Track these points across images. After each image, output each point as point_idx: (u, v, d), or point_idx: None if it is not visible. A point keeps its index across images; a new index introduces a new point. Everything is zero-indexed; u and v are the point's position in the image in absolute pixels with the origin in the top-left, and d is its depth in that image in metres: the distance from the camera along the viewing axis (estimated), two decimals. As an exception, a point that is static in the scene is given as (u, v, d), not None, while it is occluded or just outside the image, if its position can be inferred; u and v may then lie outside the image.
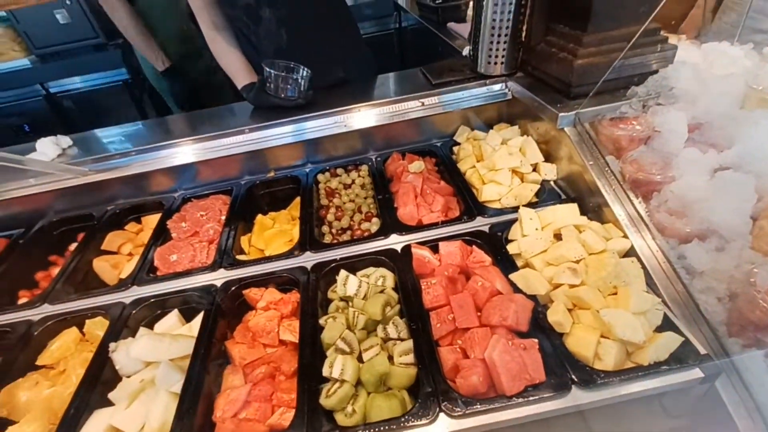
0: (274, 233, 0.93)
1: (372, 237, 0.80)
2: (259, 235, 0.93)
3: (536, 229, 0.69)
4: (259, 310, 0.73)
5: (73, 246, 1.01)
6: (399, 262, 0.73)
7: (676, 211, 0.63)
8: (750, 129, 0.63)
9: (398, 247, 0.76)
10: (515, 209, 0.76)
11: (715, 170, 0.64)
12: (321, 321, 0.67)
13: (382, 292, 0.69)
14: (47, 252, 0.99)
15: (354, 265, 0.76)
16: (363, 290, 0.69)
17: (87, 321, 0.76)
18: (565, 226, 0.67)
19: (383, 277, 0.72)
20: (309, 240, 0.82)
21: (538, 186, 0.83)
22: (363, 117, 1.01)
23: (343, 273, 0.72)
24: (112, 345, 0.68)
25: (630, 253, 0.64)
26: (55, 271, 0.91)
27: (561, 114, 0.78)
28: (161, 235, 0.93)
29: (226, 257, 0.82)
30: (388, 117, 1.01)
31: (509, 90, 0.99)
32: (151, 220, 1.03)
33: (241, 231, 0.93)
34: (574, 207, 0.71)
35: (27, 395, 0.66)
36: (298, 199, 1.02)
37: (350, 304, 0.70)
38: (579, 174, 0.77)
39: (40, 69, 2.22)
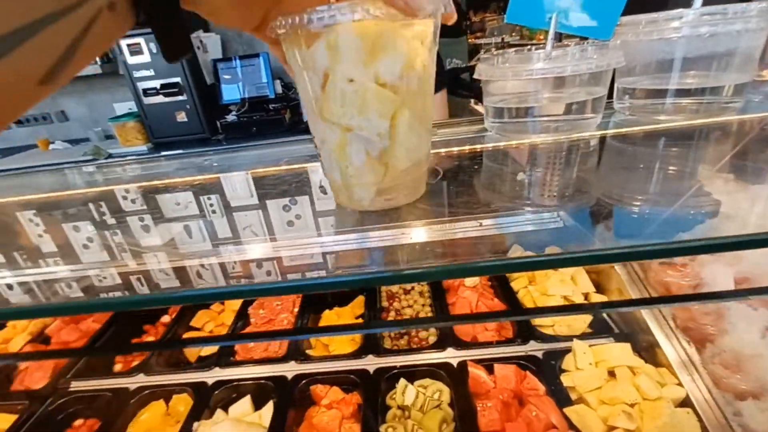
0: (338, 330, 1.03)
1: (430, 347, 0.87)
2: (324, 330, 1.03)
3: (590, 363, 0.73)
4: (323, 407, 0.80)
5: (164, 317, 1.16)
6: (455, 377, 0.79)
7: (730, 365, 0.66)
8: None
9: (454, 362, 0.82)
10: (568, 338, 0.81)
11: (767, 328, 0.67)
12: (381, 429, 0.72)
13: (438, 406, 0.75)
14: (142, 321, 1.14)
15: (412, 374, 0.83)
16: (420, 401, 0.75)
17: (174, 396, 0.86)
18: (619, 366, 0.71)
19: (440, 391, 0.78)
20: (371, 344, 0.91)
21: (591, 317, 0.88)
22: (423, 232, 1.14)
23: (402, 382, 0.78)
24: (195, 425, 0.77)
25: (685, 402, 0.66)
26: (148, 339, 1.05)
27: (611, 253, 0.86)
28: (241, 319, 1.06)
29: (297, 350, 0.92)
30: (445, 233, 1.13)
31: (561, 219, 1.09)
32: (233, 303, 1.17)
33: (311, 323, 1.04)
34: (627, 347, 0.75)
35: (118, 461, 0.75)
36: (360, 298, 1.13)
37: (406, 413, 0.75)
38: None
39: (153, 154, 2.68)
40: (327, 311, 1.09)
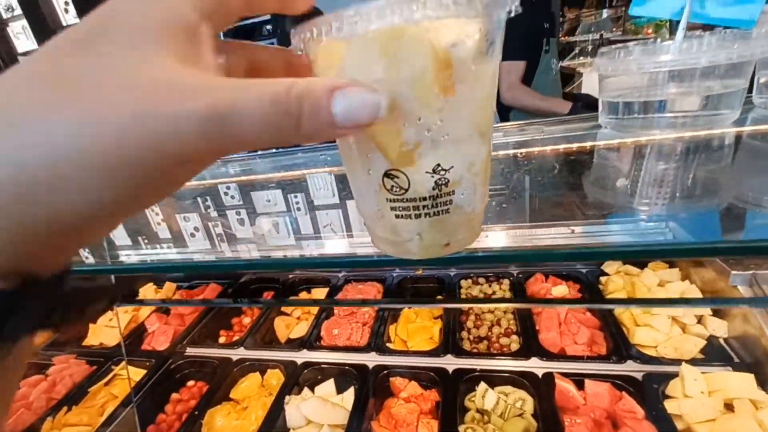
0: (417, 328, 1.04)
1: (512, 354, 0.85)
2: (403, 327, 1.05)
3: (702, 392, 0.65)
4: (401, 400, 0.83)
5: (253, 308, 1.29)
6: (540, 388, 0.76)
7: None
8: None
9: (539, 372, 0.79)
10: (675, 362, 0.73)
11: None
12: (460, 429, 0.72)
13: (520, 415, 0.72)
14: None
15: (493, 379, 0.81)
16: (500, 408, 0.73)
17: (268, 370, 0.95)
18: (739, 398, 0.62)
19: (522, 400, 0.75)
20: (451, 343, 0.91)
21: (705, 342, 0.78)
22: (507, 236, 1.11)
23: (482, 386, 0.77)
24: (287, 398, 0.84)
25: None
26: (245, 319, 1.18)
27: (734, 272, 0.75)
28: (326, 308, 1.13)
29: (377, 342, 0.95)
30: (532, 239, 1.09)
31: (670, 230, 0.98)
32: (319, 293, 1.26)
33: (390, 319, 1.07)
34: (750, 378, 0.65)
35: (222, 422, 0.85)
36: (439, 298, 1.13)
37: (486, 417, 0.74)
38: (756, 339, 0.71)
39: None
40: (406, 309, 1.12)
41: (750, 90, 0.49)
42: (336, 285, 1.22)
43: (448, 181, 0.21)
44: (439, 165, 0.21)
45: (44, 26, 3.89)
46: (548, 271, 1.09)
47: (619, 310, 0.92)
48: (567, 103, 1.47)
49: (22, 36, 3.91)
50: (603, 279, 1.04)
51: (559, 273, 1.08)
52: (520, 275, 1.11)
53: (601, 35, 3.34)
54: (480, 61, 0.20)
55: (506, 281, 1.11)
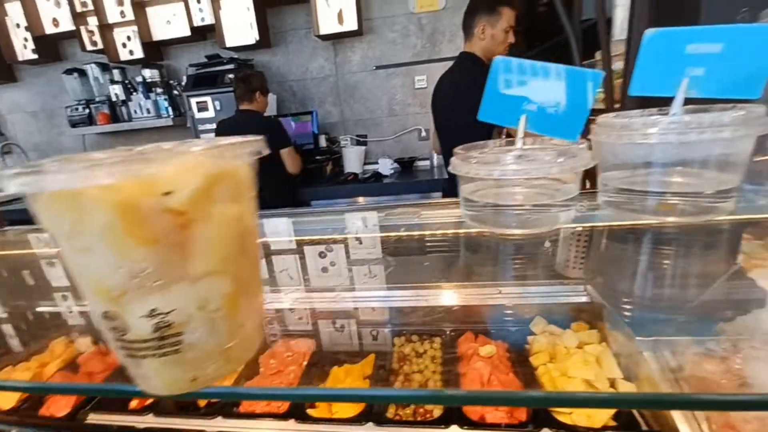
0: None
1: (433, 423, 0.82)
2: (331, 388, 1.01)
3: (605, 465, 0.65)
4: (314, 475, 0.77)
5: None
6: (455, 461, 0.73)
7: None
8: None
9: (457, 443, 0.76)
10: (588, 430, 0.73)
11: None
12: None
13: (432, 492, 0.69)
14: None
15: (411, 450, 0.78)
16: (414, 483, 0.70)
17: (175, 441, 0.87)
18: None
19: (436, 475, 0.72)
20: (374, 412, 0.87)
21: (615, 409, 0.79)
22: (443, 295, 1.12)
23: (398, 458, 0.74)
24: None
25: None
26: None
27: (638, 338, 0.78)
28: (253, 367, 1.07)
29: (298, 409, 0.90)
30: (466, 299, 1.10)
31: (588, 294, 1.02)
32: (248, 349, 1.19)
33: (318, 380, 1.02)
34: (652, 449, 0.66)
35: None
36: (371, 357, 1.10)
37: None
38: (662, 405, 0.73)
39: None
40: (336, 368, 1.08)
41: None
42: (266, 341, 1.17)
43: (171, 323, 0.21)
44: (155, 309, 0.20)
45: (0, 61, 3.80)
46: (479, 329, 1.10)
47: (540, 371, 0.92)
48: None
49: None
50: (530, 338, 1.06)
51: (489, 332, 1.08)
52: (452, 332, 1.11)
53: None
54: (209, 205, 0.20)
55: (438, 339, 1.10)
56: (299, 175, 2.90)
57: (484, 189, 0.55)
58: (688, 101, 0.47)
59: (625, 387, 0.83)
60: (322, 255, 1.34)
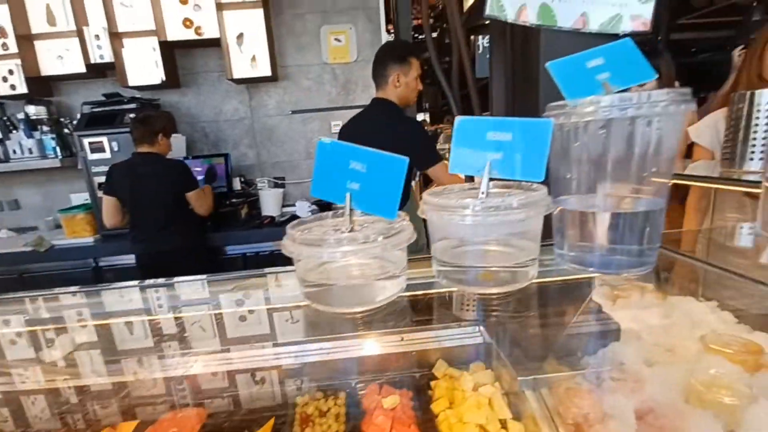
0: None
1: (329, 492, 0.77)
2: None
3: None
4: None
5: None
6: None
7: None
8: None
9: None
10: (480, 477, 0.74)
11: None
12: None
13: None
14: None
15: None
16: None
17: None
18: None
19: None
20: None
21: (506, 451, 0.81)
22: (344, 347, 1.10)
23: None
24: None
25: None
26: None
27: (520, 378, 0.83)
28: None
29: (178, 496, 0.79)
30: (366, 349, 1.09)
31: (481, 335, 1.07)
32: (127, 427, 1.03)
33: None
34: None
35: None
36: (271, 421, 1.02)
37: None
38: (545, 442, 0.77)
39: (99, 247, 2.60)
40: None
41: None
42: (149, 419, 1.02)
43: None
44: None
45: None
46: (384, 379, 1.08)
47: (440, 418, 0.93)
48: None
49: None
50: (433, 383, 1.07)
51: (393, 381, 1.07)
52: (357, 385, 1.08)
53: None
54: None
55: (342, 395, 1.06)
56: (209, 219, 2.74)
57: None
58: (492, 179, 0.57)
59: (515, 428, 0.86)
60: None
